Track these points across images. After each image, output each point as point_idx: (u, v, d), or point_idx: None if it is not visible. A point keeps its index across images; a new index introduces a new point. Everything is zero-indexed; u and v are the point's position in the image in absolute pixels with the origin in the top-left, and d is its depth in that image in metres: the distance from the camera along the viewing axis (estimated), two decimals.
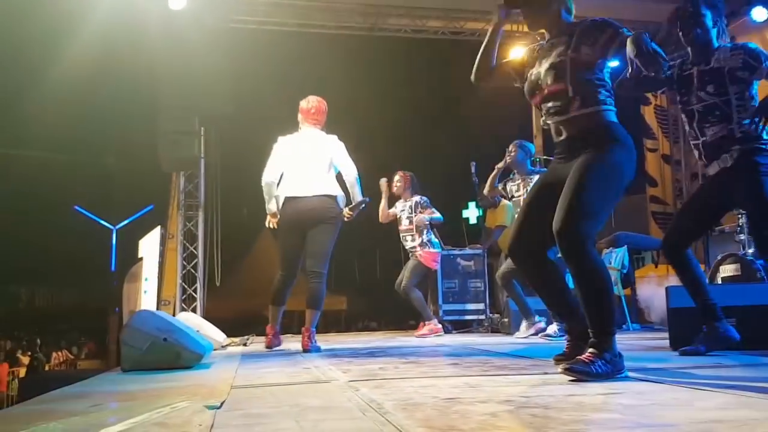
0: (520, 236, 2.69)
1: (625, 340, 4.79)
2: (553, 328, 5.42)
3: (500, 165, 5.51)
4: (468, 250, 7.59)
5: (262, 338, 6.23)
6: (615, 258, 6.94)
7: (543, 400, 1.82)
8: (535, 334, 5.36)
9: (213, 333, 5.15)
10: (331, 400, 2.00)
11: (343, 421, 1.63)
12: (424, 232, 6.34)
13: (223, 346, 5.23)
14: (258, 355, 4.25)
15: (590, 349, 2.34)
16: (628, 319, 6.61)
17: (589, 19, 2.63)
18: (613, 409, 1.66)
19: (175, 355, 3.32)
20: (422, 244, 6.31)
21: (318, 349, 4.41)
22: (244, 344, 5.60)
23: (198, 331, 4.84)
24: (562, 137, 2.65)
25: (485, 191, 5.68)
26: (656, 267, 7.55)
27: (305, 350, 4.33)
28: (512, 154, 5.42)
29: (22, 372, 12.08)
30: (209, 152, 8.42)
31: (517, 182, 5.48)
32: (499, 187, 5.60)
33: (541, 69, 2.66)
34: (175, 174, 8.40)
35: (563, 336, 5.28)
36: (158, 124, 7.50)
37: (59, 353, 14.34)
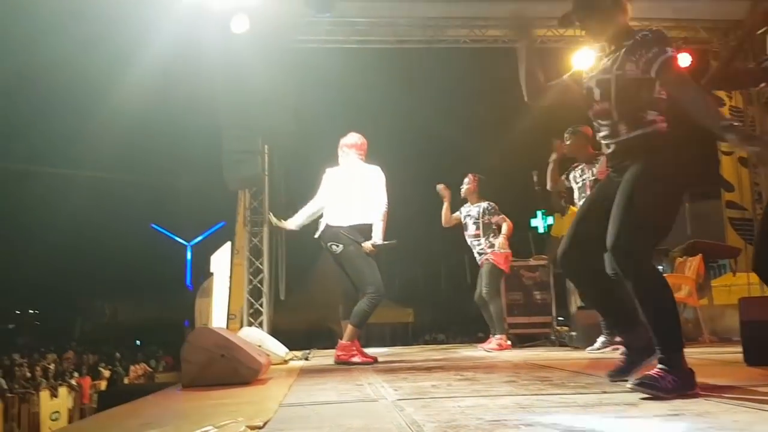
0: (571, 247, 2.59)
1: (697, 354, 4.54)
2: (601, 340, 5.26)
3: (554, 157, 5.44)
4: (532, 261, 7.41)
5: (324, 352, 6.29)
6: (689, 267, 6.61)
7: (590, 425, 1.73)
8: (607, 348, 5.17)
9: (274, 347, 5.22)
10: (373, 420, 1.97)
11: None
12: (490, 235, 6.21)
13: (285, 361, 5.28)
14: (317, 370, 4.27)
15: (659, 365, 2.23)
16: (704, 330, 6.27)
17: (642, 32, 2.51)
18: None
19: (233, 371, 3.37)
20: (491, 246, 6.18)
21: (346, 363, 4.51)
22: (306, 359, 5.64)
23: (259, 346, 4.94)
24: (610, 151, 2.57)
25: (548, 186, 5.60)
26: (734, 275, 7.15)
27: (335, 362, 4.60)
28: (567, 142, 5.34)
29: (104, 385, 12.63)
30: (273, 169, 8.60)
31: (580, 167, 5.38)
32: (563, 178, 5.52)
33: (591, 83, 2.58)
34: (241, 191, 8.61)
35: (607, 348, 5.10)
36: (222, 144, 7.71)
37: (137, 366, 14.91)
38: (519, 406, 2.14)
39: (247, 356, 3.44)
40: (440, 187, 6.41)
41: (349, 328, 4.68)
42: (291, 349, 6.28)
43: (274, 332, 8.46)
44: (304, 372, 4.17)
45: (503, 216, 6.22)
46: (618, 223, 2.33)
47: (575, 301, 6.73)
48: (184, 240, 22.45)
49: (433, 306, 20.60)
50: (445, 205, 6.38)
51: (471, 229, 6.27)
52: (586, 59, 9.25)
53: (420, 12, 8.51)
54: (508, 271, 6.41)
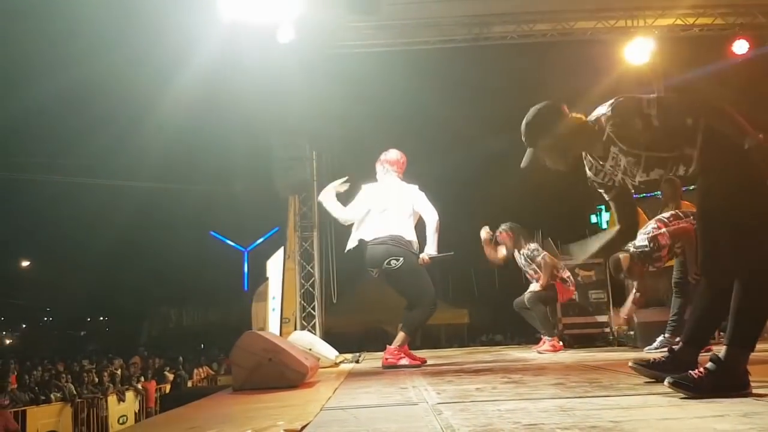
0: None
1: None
2: (661, 339, 5.12)
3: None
4: (588, 260, 7.24)
5: (376, 355, 6.32)
6: None
7: (631, 425, 1.68)
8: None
9: (325, 351, 5.27)
10: (408, 424, 1.97)
11: None
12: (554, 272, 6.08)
13: (335, 364, 5.32)
14: (365, 373, 4.29)
15: (709, 364, 2.17)
16: None
17: (598, 115, 2.62)
18: None
19: (280, 375, 3.43)
20: (561, 280, 6.13)
21: (393, 367, 4.49)
22: (357, 361, 5.68)
23: (310, 349, 5.01)
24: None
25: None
26: None
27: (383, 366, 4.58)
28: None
29: (168, 388, 13.04)
30: (321, 174, 8.70)
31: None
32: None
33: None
34: (291, 197, 8.75)
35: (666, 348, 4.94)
36: (272, 151, 7.86)
37: (201, 369, 15.32)
38: (560, 409, 2.10)
39: (293, 360, 3.50)
40: (484, 234, 6.16)
41: (399, 335, 4.67)
42: (346, 351, 6.35)
43: (328, 335, 8.57)
44: (353, 375, 4.20)
45: (543, 258, 6.00)
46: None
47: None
48: (241, 246, 23.00)
49: (489, 307, 20.37)
50: (488, 250, 6.17)
51: (530, 273, 6.15)
52: (638, 50, 9.04)
53: (463, 11, 8.46)
54: (560, 301, 6.40)
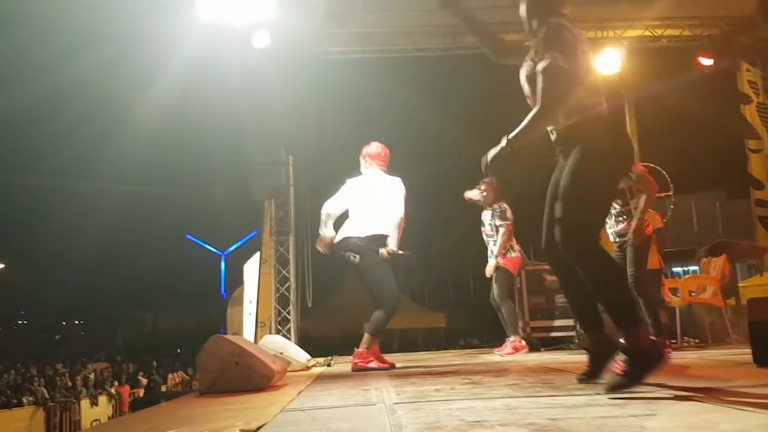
0: (548, 234, 2.65)
1: (714, 356, 4.51)
2: None
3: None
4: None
5: (350, 358, 6.39)
6: (714, 267, 6.53)
7: (567, 423, 1.79)
8: None
9: (296, 354, 5.34)
10: (361, 423, 2.06)
11: None
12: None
13: (307, 367, 5.39)
14: (334, 376, 4.37)
15: (622, 357, 2.32)
16: (730, 331, 6.19)
17: (548, 22, 2.68)
18: None
19: (247, 378, 3.50)
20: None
21: (363, 370, 4.59)
22: (328, 365, 5.75)
23: (281, 353, 5.08)
24: (553, 138, 2.70)
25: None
26: (761, 275, 7.04)
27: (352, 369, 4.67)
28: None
29: (142, 393, 12.98)
30: (298, 179, 8.76)
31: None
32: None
33: (521, 77, 2.78)
34: (267, 201, 8.80)
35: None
36: (247, 155, 7.90)
37: (175, 374, 15.26)
38: (507, 407, 2.20)
39: (260, 363, 3.57)
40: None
41: (365, 337, 4.78)
42: (325, 355, 6.42)
43: (307, 339, 8.62)
44: (321, 378, 4.27)
45: (507, 222, 6.17)
46: (561, 208, 2.47)
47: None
48: (218, 250, 22.91)
49: (465, 311, 20.56)
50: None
51: (487, 229, 6.32)
52: (608, 60, 9.26)
53: (438, 20, 8.58)
54: (516, 274, 6.50)
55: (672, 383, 2.70)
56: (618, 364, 2.33)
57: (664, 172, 8.99)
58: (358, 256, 4.80)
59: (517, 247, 6.33)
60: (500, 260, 6.15)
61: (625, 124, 2.54)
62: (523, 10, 2.79)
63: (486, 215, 6.35)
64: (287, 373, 4.45)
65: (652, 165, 9.40)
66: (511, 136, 2.54)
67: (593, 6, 8.59)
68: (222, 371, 3.48)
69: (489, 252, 6.28)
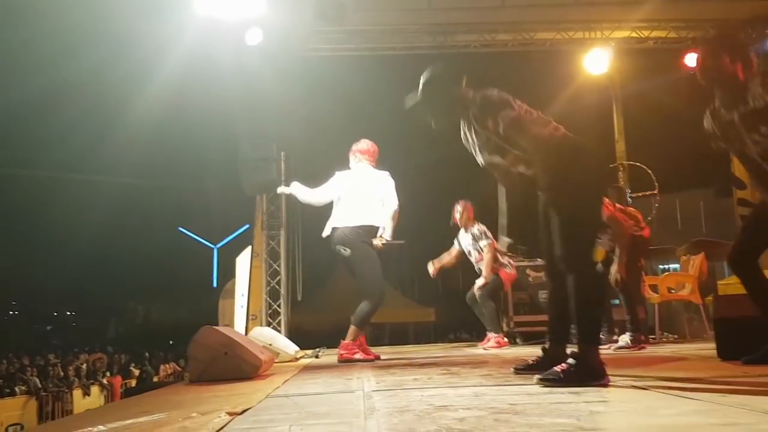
0: (546, 255, 2.87)
1: (685, 350, 4.70)
2: (625, 338, 5.38)
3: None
4: (538, 261, 7.57)
5: (334, 350, 6.56)
6: (692, 265, 6.72)
7: (523, 407, 1.95)
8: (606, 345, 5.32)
9: (285, 346, 5.50)
10: (338, 407, 2.23)
11: (328, 425, 1.85)
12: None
13: (295, 358, 5.55)
14: (320, 367, 4.53)
15: (569, 360, 2.49)
16: (707, 327, 6.38)
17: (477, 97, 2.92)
18: (572, 415, 1.78)
19: (235, 367, 3.65)
20: (501, 266, 6.46)
21: (348, 361, 4.74)
22: (316, 356, 5.91)
23: (270, 344, 5.24)
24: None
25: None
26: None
27: (338, 360, 4.82)
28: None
29: (134, 383, 13.13)
30: (289, 174, 8.90)
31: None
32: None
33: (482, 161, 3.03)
34: (258, 196, 8.94)
35: (634, 347, 5.23)
36: (239, 151, 8.03)
37: (167, 365, 15.41)
38: (474, 394, 2.37)
39: (248, 353, 3.73)
40: (431, 267, 6.71)
41: (351, 329, 4.93)
42: (315, 347, 6.59)
43: (298, 332, 8.77)
44: (308, 369, 4.44)
45: (490, 241, 6.30)
46: (559, 243, 2.69)
47: None
48: (211, 243, 23.03)
49: (455, 306, 20.76)
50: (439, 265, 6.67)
51: (475, 256, 6.50)
52: (596, 61, 9.45)
53: (428, 19, 8.74)
54: (506, 288, 6.81)
55: (633, 374, 2.89)
56: (563, 364, 2.50)
57: (650, 171, 9.20)
58: (348, 249, 4.94)
59: (506, 260, 6.52)
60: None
61: (583, 141, 2.63)
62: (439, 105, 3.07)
63: (465, 239, 6.54)
64: (275, 364, 4.61)
65: (638, 163, 9.61)
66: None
67: (581, 7, 8.78)
68: (211, 361, 3.63)
69: (478, 270, 6.49)
